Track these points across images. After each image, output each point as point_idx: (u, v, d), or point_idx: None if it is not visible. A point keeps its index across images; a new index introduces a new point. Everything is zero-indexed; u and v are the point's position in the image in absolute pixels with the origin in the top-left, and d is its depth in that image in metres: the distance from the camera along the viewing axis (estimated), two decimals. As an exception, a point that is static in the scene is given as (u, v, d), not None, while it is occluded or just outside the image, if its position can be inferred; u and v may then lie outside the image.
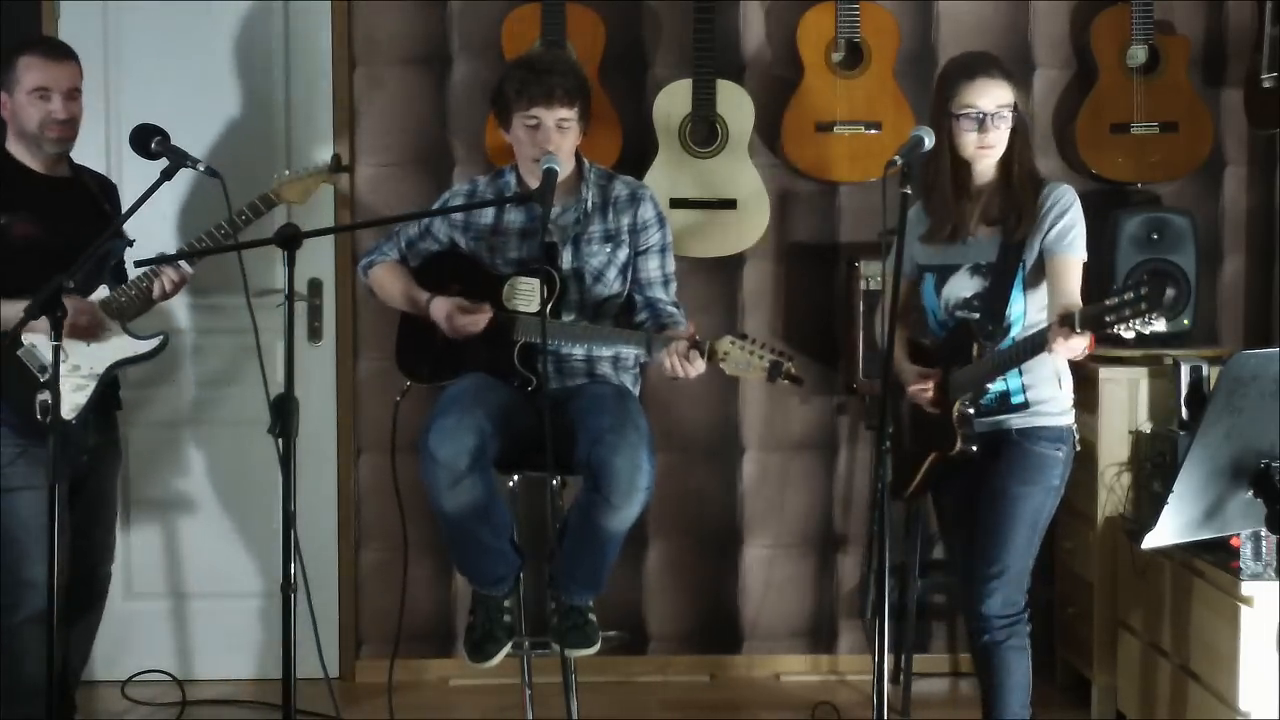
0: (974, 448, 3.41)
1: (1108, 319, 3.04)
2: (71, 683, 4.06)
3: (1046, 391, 3.46)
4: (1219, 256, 4.80)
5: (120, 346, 3.81)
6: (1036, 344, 3.26)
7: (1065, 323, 3.14)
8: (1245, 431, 2.79)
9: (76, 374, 3.73)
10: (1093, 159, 4.61)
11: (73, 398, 3.72)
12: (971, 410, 3.41)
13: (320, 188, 3.94)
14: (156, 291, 3.76)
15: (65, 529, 3.66)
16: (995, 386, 3.43)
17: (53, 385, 3.14)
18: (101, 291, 3.77)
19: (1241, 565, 3.58)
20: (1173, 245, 4.47)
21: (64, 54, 3.84)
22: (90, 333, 3.74)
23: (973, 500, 3.52)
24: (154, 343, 3.85)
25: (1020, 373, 3.42)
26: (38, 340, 3.67)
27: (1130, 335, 3.06)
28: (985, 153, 3.44)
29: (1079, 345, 3.17)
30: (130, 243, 3.82)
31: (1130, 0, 4.49)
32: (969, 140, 3.42)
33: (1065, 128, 4.69)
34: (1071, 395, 3.52)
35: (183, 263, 3.74)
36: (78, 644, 4.01)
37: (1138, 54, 4.54)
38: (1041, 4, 4.73)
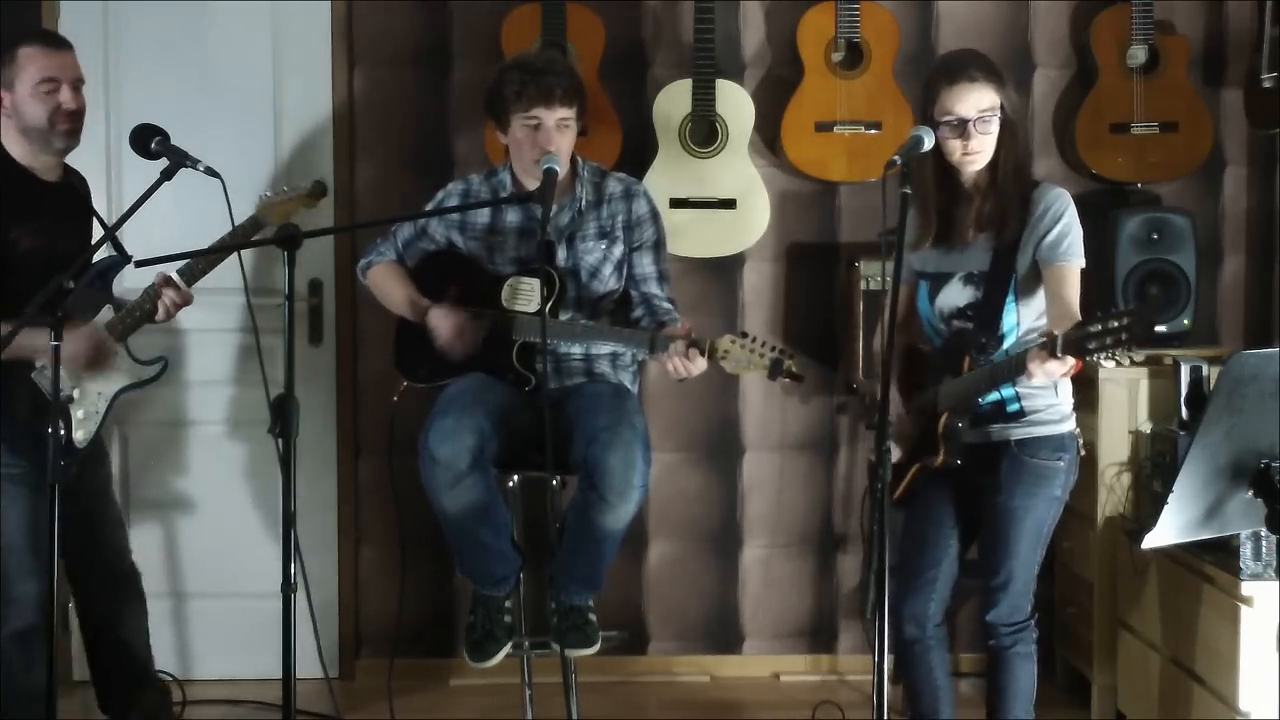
0: (958, 461, 3.36)
1: (1090, 345, 2.93)
2: (148, 669, 4.06)
3: (1042, 400, 3.41)
4: (1219, 256, 4.80)
5: (127, 372, 3.78)
6: (1017, 366, 3.15)
7: (1046, 346, 3.03)
8: (1245, 431, 2.79)
9: (86, 403, 3.70)
10: (1093, 159, 4.61)
11: (85, 425, 3.71)
12: (960, 425, 3.34)
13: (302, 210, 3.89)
14: (160, 314, 3.70)
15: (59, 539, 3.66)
16: (989, 395, 3.37)
17: (54, 385, 3.13)
18: (106, 313, 3.73)
19: (1241, 565, 3.58)
20: (1173, 245, 4.47)
21: (64, 44, 3.76)
22: (105, 361, 3.69)
23: (932, 509, 3.51)
24: (156, 368, 3.84)
25: (1014, 381, 3.33)
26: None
27: (1110, 364, 2.99)
28: (970, 159, 3.35)
29: (1057, 370, 3.05)
30: (129, 259, 3.72)
31: (1130, 0, 4.50)
32: (953, 147, 3.34)
33: (1065, 128, 4.69)
34: (1070, 400, 3.48)
35: (183, 284, 3.69)
36: (135, 631, 4.02)
37: (1138, 54, 4.54)
38: (1041, 4, 4.73)
